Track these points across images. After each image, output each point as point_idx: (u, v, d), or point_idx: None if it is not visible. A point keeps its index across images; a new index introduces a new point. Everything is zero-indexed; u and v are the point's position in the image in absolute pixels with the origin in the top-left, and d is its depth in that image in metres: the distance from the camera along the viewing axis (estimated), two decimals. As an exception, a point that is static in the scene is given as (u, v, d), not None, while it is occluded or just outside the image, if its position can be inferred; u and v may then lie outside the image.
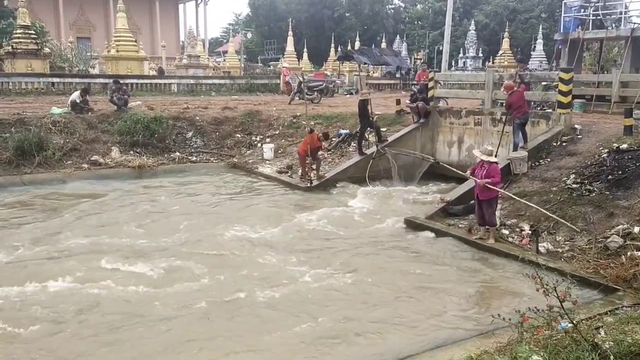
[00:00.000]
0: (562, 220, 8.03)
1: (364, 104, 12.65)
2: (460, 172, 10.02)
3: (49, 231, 8.82)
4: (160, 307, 6.22)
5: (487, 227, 8.32)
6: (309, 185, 12.14)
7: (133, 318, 5.99)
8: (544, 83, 15.37)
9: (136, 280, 6.92)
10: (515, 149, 10.64)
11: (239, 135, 15.73)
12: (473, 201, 9.38)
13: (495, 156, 8.28)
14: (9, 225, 9.20)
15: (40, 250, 7.96)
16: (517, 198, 8.83)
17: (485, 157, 8.07)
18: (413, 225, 9.27)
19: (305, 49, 36.07)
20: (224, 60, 35.81)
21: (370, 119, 12.87)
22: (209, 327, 5.85)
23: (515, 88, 10.55)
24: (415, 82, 21.08)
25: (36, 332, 5.63)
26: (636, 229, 7.39)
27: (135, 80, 21.48)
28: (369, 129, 13.10)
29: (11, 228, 9.03)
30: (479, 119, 12.80)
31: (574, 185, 8.92)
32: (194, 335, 5.64)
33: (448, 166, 11.32)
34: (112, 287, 6.69)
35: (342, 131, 14.46)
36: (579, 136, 10.69)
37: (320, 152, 12.74)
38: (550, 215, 8.15)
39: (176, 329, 5.75)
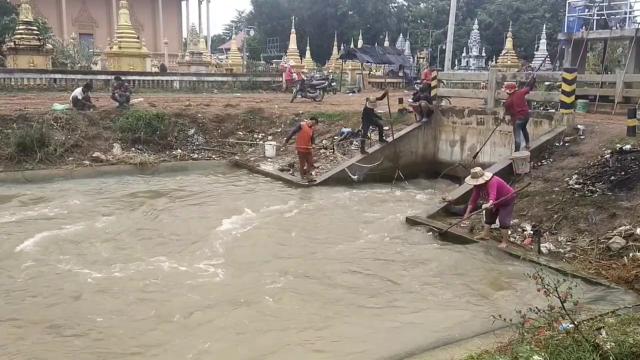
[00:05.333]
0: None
1: (368, 112, 12.66)
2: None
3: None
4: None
5: (496, 228, 8.27)
6: (307, 183, 12.14)
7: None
8: (547, 83, 15.34)
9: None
10: (517, 149, 10.61)
11: (241, 133, 15.71)
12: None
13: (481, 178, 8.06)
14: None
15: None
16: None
17: (481, 180, 7.98)
18: (414, 224, 9.25)
19: (308, 47, 36.06)
20: (227, 57, 35.83)
21: (376, 118, 12.88)
22: (221, 315, 5.95)
23: (517, 88, 10.56)
24: (419, 81, 21.05)
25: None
26: (638, 230, 7.36)
27: (137, 77, 21.45)
28: (371, 127, 13.09)
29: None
30: (481, 118, 12.76)
31: (577, 186, 8.89)
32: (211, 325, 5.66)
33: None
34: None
35: (344, 129, 14.44)
36: (582, 136, 10.65)
37: (321, 144, 12.85)
38: None
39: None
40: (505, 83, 10.98)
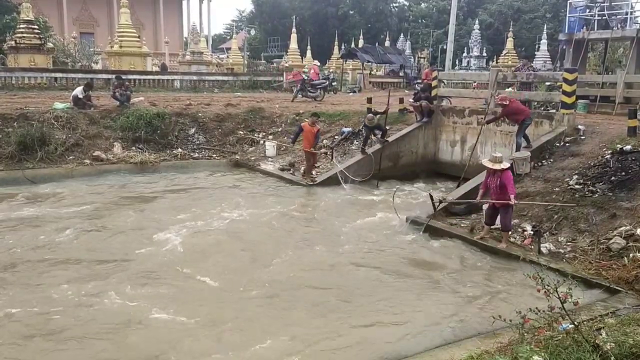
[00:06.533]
0: (568, 204, 8.00)
1: (368, 126, 12.66)
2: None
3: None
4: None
5: (496, 228, 8.25)
6: (310, 183, 12.15)
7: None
8: (547, 83, 15.34)
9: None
10: (518, 149, 10.62)
11: (242, 132, 15.71)
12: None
13: (502, 162, 8.02)
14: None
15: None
16: (537, 203, 8.59)
17: (497, 166, 7.87)
18: (415, 224, 9.24)
19: (308, 47, 36.06)
20: (227, 57, 35.81)
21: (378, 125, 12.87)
22: (219, 310, 5.93)
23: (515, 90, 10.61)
24: (420, 81, 21.06)
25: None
26: (639, 231, 7.36)
27: (138, 76, 21.48)
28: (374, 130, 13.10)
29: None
30: (482, 118, 12.74)
31: (577, 186, 8.89)
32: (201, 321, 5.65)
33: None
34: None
35: (345, 129, 14.43)
36: (582, 137, 10.65)
37: (322, 150, 12.86)
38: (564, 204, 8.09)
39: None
40: (500, 96, 10.98)
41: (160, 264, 7.38)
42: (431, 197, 9.20)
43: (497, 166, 7.88)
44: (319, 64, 28.32)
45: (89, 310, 5.95)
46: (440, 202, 9.22)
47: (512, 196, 7.77)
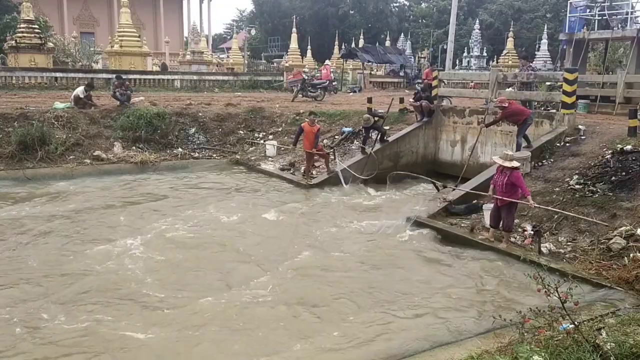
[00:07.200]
0: (580, 216, 8.00)
1: (367, 127, 12.67)
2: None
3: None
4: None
5: (499, 230, 8.24)
6: (311, 182, 12.14)
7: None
8: (548, 83, 15.33)
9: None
10: (518, 149, 10.61)
11: (242, 132, 15.72)
12: (475, 201, 9.37)
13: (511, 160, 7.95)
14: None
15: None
16: (547, 208, 8.44)
17: (507, 164, 7.82)
18: (415, 224, 9.23)
19: (309, 47, 36.08)
20: (228, 56, 35.83)
21: (377, 125, 12.84)
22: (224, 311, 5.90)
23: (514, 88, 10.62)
24: (420, 81, 21.06)
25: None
26: (639, 231, 7.35)
27: (138, 76, 21.50)
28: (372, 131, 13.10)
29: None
30: (482, 118, 12.74)
31: (577, 186, 8.89)
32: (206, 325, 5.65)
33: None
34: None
35: (345, 129, 14.43)
36: (583, 137, 10.65)
37: (327, 151, 12.89)
38: (575, 215, 8.07)
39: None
40: (499, 99, 10.98)
41: (153, 272, 7.21)
42: (434, 183, 9.38)
43: (507, 163, 7.86)
44: (329, 64, 28.37)
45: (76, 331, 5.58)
46: (445, 187, 9.30)
47: (529, 197, 7.79)
